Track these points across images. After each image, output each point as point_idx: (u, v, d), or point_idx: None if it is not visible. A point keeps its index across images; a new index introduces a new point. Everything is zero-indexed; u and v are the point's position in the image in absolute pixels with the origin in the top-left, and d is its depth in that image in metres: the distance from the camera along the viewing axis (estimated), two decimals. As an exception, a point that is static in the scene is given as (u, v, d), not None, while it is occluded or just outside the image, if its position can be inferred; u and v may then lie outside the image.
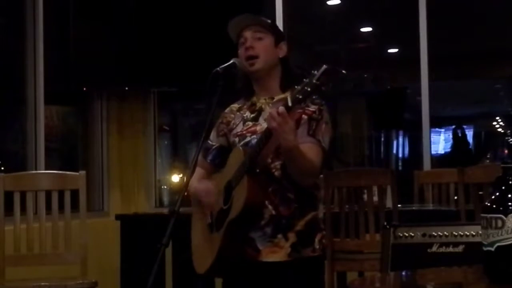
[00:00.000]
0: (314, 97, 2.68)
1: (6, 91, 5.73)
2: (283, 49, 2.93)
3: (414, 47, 5.91)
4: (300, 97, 2.50)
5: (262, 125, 2.86)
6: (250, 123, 2.91)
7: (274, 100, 2.90)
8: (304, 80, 2.51)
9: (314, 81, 2.47)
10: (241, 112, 2.96)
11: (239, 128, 2.92)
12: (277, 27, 3.02)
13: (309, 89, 2.48)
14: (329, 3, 8.59)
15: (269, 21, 2.93)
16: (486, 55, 10.49)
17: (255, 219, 2.77)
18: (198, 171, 3.02)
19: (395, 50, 11.06)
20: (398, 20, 8.50)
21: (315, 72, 2.48)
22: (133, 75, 5.85)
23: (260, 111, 2.91)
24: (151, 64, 5.79)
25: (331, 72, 2.49)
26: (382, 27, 9.87)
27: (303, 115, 2.78)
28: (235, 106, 3.02)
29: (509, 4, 7.18)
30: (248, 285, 2.86)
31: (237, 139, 2.91)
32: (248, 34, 2.88)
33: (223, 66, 2.83)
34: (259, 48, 2.85)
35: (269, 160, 2.79)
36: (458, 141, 13.20)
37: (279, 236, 2.78)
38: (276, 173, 2.79)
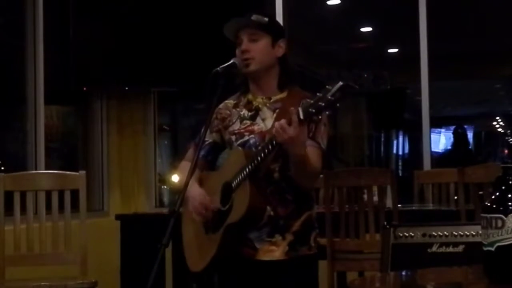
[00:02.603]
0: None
1: (6, 91, 5.73)
2: (281, 48, 2.90)
3: (414, 47, 5.91)
4: (313, 111, 2.52)
5: (260, 124, 2.87)
6: (248, 122, 2.90)
7: (272, 100, 2.90)
8: (318, 94, 2.52)
9: (329, 96, 2.49)
10: (238, 109, 2.93)
11: (236, 126, 2.91)
12: (275, 25, 2.97)
13: (323, 104, 2.51)
14: (329, 3, 8.59)
15: (266, 19, 2.89)
16: (486, 55, 10.49)
17: (256, 222, 2.77)
18: (189, 165, 3.03)
19: (395, 50, 11.05)
20: (398, 20, 8.50)
21: (330, 87, 2.50)
22: (133, 75, 5.85)
23: (257, 111, 2.91)
24: (151, 64, 5.79)
25: (346, 88, 2.51)
26: (382, 27, 9.87)
27: None
28: (230, 102, 2.99)
29: (509, 4, 7.18)
30: (246, 284, 2.87)
31: (234, 137, 2.90)
32: (243, 35, 2.86)
33: (223, 66, 2.83)
34: (254, 51, 2.84)
35: (268, 162, 2.78)
36: (459, 141, 13.21)
37: (277, 236, 2.80)
38: (275, 175, 2.80)
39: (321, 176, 4.60)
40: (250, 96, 2.93)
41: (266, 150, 2.67)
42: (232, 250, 2.81)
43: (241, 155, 2.79)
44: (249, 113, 2.91)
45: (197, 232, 2.92)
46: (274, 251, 2.80)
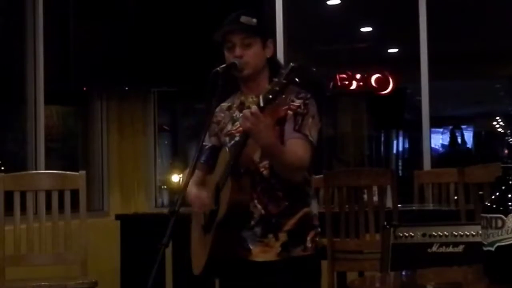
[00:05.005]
0: (300, 91, 2.77)
1: (6, 91, 5.73)
2: (270, 48, 2.90)
3: (414, 47, 5.91)
4: (270, 96, 2.54)
5: None
6: (239, 123, 2.89)
7: None
8: (274, 79, 2.56)
9: (282, 80, 2.52)
10: (231, 111, 2.94)
11: (228, 128, 2.92)
12: (263, 26, 2.95)
13: (277, 88, 2.53)
14: (329, 3, 8.59)
15: (254, 20, 2.86)
16: (486, 55, 10.49)
17: (243, 219, 2.77)
18: (196, 173, 3.03)
19: (395, 50, 11.06)
20: (398, 20, 8.50)
21: (283, 71, 2.54)
22: (133, 75, 5.85)
23: None
24: (151, 64, 5.79)
25: (298, 70, 2.53)
26: (382, 27, 9.87)
27: (289, 111, 2.79)
28: (225, 105, 3.00)
29: (509, 4, 7.18)
30: (242, 284, 2.86)
31: (227, 139, 2.91)
32: (236, 40, 2.84)
33: (223, 66, 2.83)
34: (248, 56, 2.83)
35: (257, 160, 2.79)
36: (456, 141, 13.23)
37: (270, 236, 2.79)
38: (265, 172, 2.80)
39: (321, 176, 4.60)
40: (242, 98, 2.93)
41: (238, 144, 2.70)
42: (226, 249, 2.80)
43: (226, 154, 2.81)
44: (240, 114, 2.91)
45: (199, 235, 2.94)
46: (267, 252, 2.79)
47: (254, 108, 2.56)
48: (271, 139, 2.64)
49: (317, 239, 2.86)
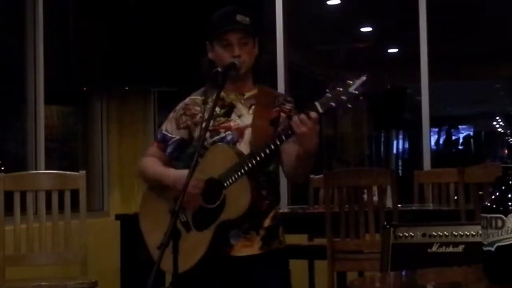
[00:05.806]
0: (285, 95, 2.91)
1: (6, 91, 5.73)
2: (257, 47, 2.93)
3: (414, 47, 5.91)
4: (334, 105, 2.55)
5: (236, 121, 2.88)
6: (222, 119, 2.90)
7: (245, 96, 2.92)
8: (337, 88, 2.54)
9: (352, 91, 2.52)
10: (208, 106, 2.89)
11: (210, 123, 2.87)
12: (255, 24, 2.94)
13: (346, 98, 2.54)
14: (329, 3, 8.59)
15: (247, 18, 2.87)
16: (486, 55, 10.50)
17: (251, 218, 2.79)
18: (156, 161, 3.04)
19: (395, 50, 11.06)
20: (398, 20, 8.50)
21: (351, 82, 2.53)
22: (133, 75, 5.84)
23: (231, 107, 2.91)
24: (151, 64, 5.78)
25: (368, 83, 2.54)
26: (382, 27, 9.87)
27: (282, 113, 2.87)
28: (198, 98, 2.97)
29: (509, 4, 7.18)
30: (221, 280, 2.88)
31: (208, 134, 2.86)
32: (233, 39, 2.85)
33: (223, 65, 2.83)
34: (245, 55, 2.85)
35: None
36: (451, 141, 13.24)
37: (252, 232, 2.84)
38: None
39: (321, 176, 4.60)
40: (221, 93, 2.89)
41: (272, 146, 2.69)
42: (221, 247, 2.81)
43: (229, 151, 2.79)
44: (222, 110, 2.90)
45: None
46: (248, 246, 2.83)
47: (313, 113, 2.57)
48: (316, 145, 2.67)
49: (284, 233, 2.96)
